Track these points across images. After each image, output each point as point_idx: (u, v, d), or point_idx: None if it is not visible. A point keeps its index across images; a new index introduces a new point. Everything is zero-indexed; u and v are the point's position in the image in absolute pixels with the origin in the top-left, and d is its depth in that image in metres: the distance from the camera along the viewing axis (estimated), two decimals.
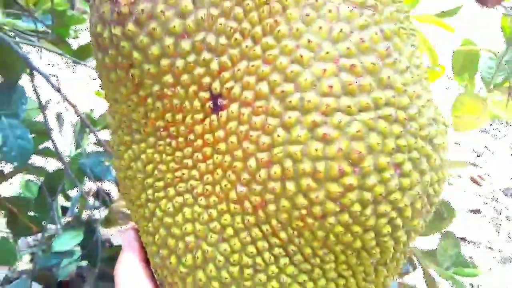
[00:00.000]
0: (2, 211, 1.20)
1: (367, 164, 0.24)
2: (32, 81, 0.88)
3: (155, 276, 0.32)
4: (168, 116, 0.29)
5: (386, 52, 0.26)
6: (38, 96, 0.90)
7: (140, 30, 0.27)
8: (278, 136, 0.25)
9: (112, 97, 0.32)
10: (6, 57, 0.97)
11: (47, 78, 0.88)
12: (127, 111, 0.31)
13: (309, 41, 0.25)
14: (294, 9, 0.25)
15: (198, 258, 0.28)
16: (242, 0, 0.27)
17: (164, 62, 0.27)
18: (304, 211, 0.25)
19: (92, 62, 1.17)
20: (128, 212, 1.50)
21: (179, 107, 0.28)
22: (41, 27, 1.11)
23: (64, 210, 1.37)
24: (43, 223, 1.24)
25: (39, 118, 1.15)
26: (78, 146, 1.24)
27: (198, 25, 0.27)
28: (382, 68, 0.25)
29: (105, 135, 1.27)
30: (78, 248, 1.28)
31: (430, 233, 1.27)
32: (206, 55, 0.27)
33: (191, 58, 0.27)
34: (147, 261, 0.33)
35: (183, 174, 0.29)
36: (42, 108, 0.89)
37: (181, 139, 0.29)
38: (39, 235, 1.48)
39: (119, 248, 1.30)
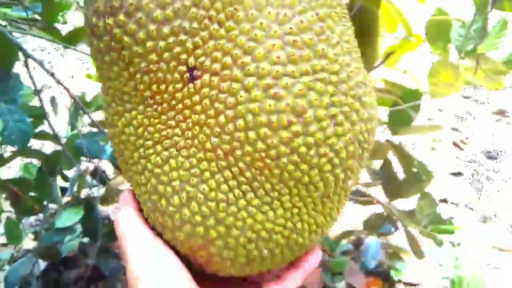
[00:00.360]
0: (4, 194, 1.26)
1: (308, 115, 0.32)
2: (26, 67, 0.93)
3: (148, 220, 0.38)
4: (154, 87, 0.35)
5: (320, 30, 0.33)
6: (33, 82, 0.95)
7: (129, 19, 0.33)
8: (241, 96, 0.32)
9: (106, 76, 0.38)
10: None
11: (41, 64, 0.93)
12: (120, 86, 0.37)
13: (261, 23, 0.32)
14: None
15: (183, 198, 0.35)
16: None
17: (149, 43, 0.34)
18: (263, 154, 0.32)
19: (82, 46, 1.22)
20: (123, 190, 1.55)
21: (162, 79, 0.35)
22: (30, 15, 1.15)
23: (63, 190, 1.43)
24: (44, 202, 1.30)
25: (34, 102, 1.20)
26: (73, 127, 1.29)
27: (175, 13, 0.33)
28: (317, 43, 0.33)
29: (98, 116, 1.32)
30: (79, 226, 1.35)
31: (410, 195, 1.35)
32: (182, 36, 0.34)
33: (171, 39, 0.34)
34: (140, 211, 0.39)
35: (168, 132, 0.35)
36: (37, 93, 0.94)
37: (165, 105, 0.36)
38: (41, 215, 1.55)
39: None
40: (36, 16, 1.18)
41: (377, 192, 1.37)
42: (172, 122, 0.35)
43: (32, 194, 1.27)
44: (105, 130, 1.19)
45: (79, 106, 1.12)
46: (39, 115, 1.16)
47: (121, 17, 0.33)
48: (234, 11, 0.33)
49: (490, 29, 1.22)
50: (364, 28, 0.88)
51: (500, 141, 2.16)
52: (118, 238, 0.38)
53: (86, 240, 1.54)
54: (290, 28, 0.32)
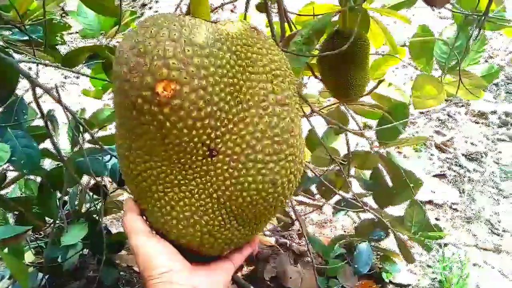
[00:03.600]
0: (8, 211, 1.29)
1: (279, 184, 0.52)
2: (34, 95, 0.96)
3: (153, 224, 0.56)
4: (181, 155, 0.49)
5: (291, 129, 0.52)
6: (41, 110, 0.98)
7: (173, 112, 0.46)
8: (243, 172, 0.50)
9: (133, 131, 0.50)
10: (1, 70, 1.05)
11: (48, 92, 0.97)
12: (150, 144, 0.49)
13: (261, 128, 0.51)
14: (253, 109, 0.51)
15: (191, 222, 0.53)
16: (228, 101, 0.49)
17: (185, 131, 0.47)
18: (249, 205, 0.52)
19: (79, 68, 1.26)
20: (121, 201, 1.59)
21: (189, 151, 0.49)
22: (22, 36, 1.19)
23: (62, 203, 1.46)
24: (46, 218, 1.33)
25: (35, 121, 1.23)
26: (74, 145, 1.33)
27: (206, 115, 0.47)
28: (289, 138, 0.52)
29: (99, 133, 1.36)
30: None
31: (399, 202, 1.42)
32: (209, 130, 0.48)
33: (201, 131, 0.48)
34: (140, 215, 0.57)
35: (186, 182, 0.51)
36: (46, 118, 0.98)
37: (187, 166, 0.51)
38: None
39: (118, 235, 1.40)
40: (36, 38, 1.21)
41: (369, 199, 1.44)
42: (190, 177, 0.51)
43: (34, 210, 1.30)
44: (105, 147, 1.23)
45: (81, 125, 1.16)
46: (42, 135, 1.19)
47: (167, 110, 0.45)
48: (244, 117, 0.50)
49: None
50: (357, 54, 0.94)
51: (480, 143, 2.26)
52: (126, 232, 0.56)
53: (85, 251, 1.58)
54: (276, 131, 0.51)
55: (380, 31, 1.32)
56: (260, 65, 0.52)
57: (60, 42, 1.30)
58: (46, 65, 1.05)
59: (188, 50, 0.46)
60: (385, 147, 1.34)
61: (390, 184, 1.37)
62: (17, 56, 1.17)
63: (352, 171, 1.50)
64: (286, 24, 0.95)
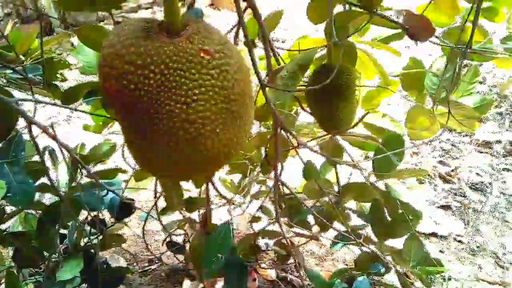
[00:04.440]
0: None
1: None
2: (30, 132, 0.99)
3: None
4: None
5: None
6: (36, 146, 1.00)
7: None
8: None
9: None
10: (1, 108, 1.07)
11: (44, 129, 0.99)
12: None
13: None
14: (165, 120, 0.61)
15: None
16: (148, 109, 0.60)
17: None
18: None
19: (78, 104, 1.29)
20: (121, 234, 1.59)
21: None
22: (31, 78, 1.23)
23: (61, 236, 1.47)
24: (44, 253, 1.34)
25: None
26: (71, 180, 1.34)
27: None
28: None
29: (98, 167, 1.38)
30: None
31: (399, 235, 1.40)
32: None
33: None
34: None
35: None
36: (41, 155, 1.00)
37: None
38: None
39: (117, 270, 1.39)
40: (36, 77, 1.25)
41: (370, 230, 1.42)
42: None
43: (33, 245, 1.31)
44: (102, 182, 1.24)
45: (78, 162, 1.18)
46: (41, 170, 1.21)
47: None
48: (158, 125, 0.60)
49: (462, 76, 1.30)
50: (343, 86, 0.95)
51: (485, 173, 2.23)
52: None
53: (83, 285, 1.57)
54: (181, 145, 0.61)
55: (371, 64, 1.34)
56: (184, 89, 0.60)
57: (60, 80, 1.34)
58: (45, 103, 1.08)
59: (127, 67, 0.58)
60: (383, 179, 1.33)
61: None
62: (17, 94, 1.20)
63: (354, 203, 1.49)
64: (273, 59, 0.97)
